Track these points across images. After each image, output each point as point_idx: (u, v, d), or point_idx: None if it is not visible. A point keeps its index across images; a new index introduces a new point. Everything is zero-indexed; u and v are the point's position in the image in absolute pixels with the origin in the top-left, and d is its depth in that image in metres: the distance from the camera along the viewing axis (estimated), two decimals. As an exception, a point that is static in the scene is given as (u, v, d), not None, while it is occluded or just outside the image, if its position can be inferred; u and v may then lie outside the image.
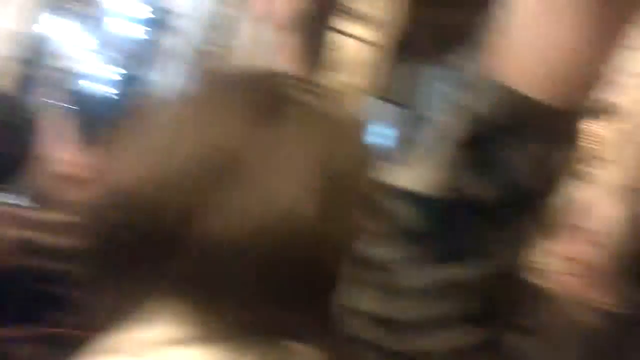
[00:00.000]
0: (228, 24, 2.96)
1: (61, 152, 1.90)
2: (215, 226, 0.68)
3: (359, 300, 0.60)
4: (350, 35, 3.80)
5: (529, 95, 0.54)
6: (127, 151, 0.74)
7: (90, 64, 2.90)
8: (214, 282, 0.68)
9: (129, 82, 2.89)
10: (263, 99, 0.76)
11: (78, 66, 2.92)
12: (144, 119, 0.77)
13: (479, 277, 0.56)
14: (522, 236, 0.58)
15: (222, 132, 0.73)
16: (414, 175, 0.56)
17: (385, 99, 4.32)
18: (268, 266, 0.68)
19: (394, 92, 4.31)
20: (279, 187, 0.69)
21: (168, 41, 2.92)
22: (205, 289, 0.67)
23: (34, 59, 2.83)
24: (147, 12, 2.97)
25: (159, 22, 2.95)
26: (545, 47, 0.54)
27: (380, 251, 0.58)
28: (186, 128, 0.74)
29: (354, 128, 0.82)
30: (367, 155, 0.81)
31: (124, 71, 2.93)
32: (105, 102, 2.81)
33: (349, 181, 0.75)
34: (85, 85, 2.87)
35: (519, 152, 0.55)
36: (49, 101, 2.47)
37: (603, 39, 0.54)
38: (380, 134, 4.63)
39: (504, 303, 0.59)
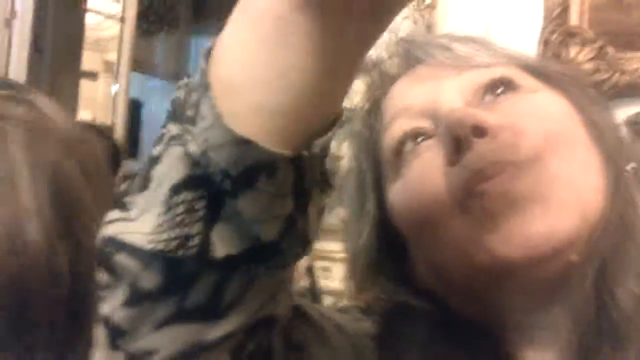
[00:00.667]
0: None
1: None
2: None
3: None
4: (101, 13, 3.68)
5: (249, 137, 0.45)
6: None
7: None
8: None
9: None
10: None
11: None
12: None
13: (229, 334, 0.50)
14: (274, 283, 0.52)
15: None
16: (135, 225, 0.48)
17: (151, 73, 4.21)
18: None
19: (159, 66, 4.22)
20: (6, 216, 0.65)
21: None
22: None
23: None
24: None
25: None
26: (264, 81, 0.45)
27: (112, 309, 0.50)
28: None
29: (82, 142, 0.75)
30: (101, 172, 0.75)
31: None
32: None
33: (79, 203, 0.70)
34: None
35: (253, 202, 0.47)
36: None
37: (331, 71, 0.46)
38: (153, 111, 4.51)
39: (271, 350, 0.56)
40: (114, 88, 3.64)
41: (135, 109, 4.10)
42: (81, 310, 0.63)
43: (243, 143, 0.45)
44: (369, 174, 0.70)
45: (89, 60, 3.72)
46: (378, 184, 0.69)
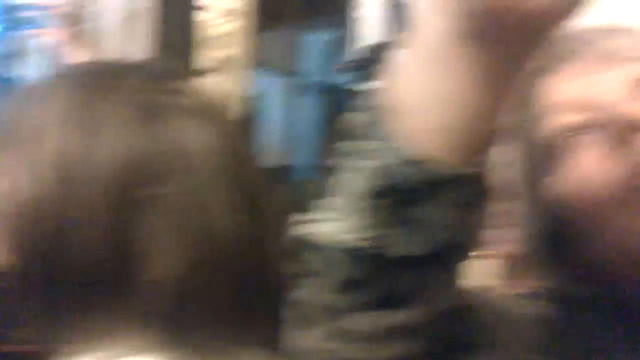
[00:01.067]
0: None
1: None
2: (155, 260, 0.68)
3: (305, 338, 0.62)
4: (212, 9, 3.74)
5: (429, 157, 0.53)
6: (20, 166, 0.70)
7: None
8: (168, 313, 0.70)
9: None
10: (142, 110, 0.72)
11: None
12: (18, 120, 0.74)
13: (421, 318, 0.59)
14: (454, 277, 0.61)
15: (124, 139, 0.69)
16: (331, 226, 0.58)
17: (265, 69, 4.27)
18: (215, 287, 0.71)
19: (272, 62, 4.26)
20: (202, 207, 0.70)
21: (24, 36, 2.71)
22: (161, 319, 0.69)
23: None
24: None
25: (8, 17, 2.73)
26: (431, 104, 0.53)
27: (317, 294, 0.59)
28: (78, 132, 0.70)
29: (242, 125, 0.82)
30: (256, 152, 0.84)
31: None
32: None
33: (259, 183, 0.76)
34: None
35: (436, 210, 0.55)
36: None
37: (493, 93, 0.53)
38: (267, 107, 4.57)
39: (454, 337, 0.63)
40: (230, 85, 3.69)
41: (249, 105, 4.14)
42: (275, 294, 0.70)
43: (417, 161, 0.53)
44: (527, 166, 0.74)
45: (202, 57, 3.78)
46: (537, 175, 0.73)
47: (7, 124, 0.75)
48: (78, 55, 2.04)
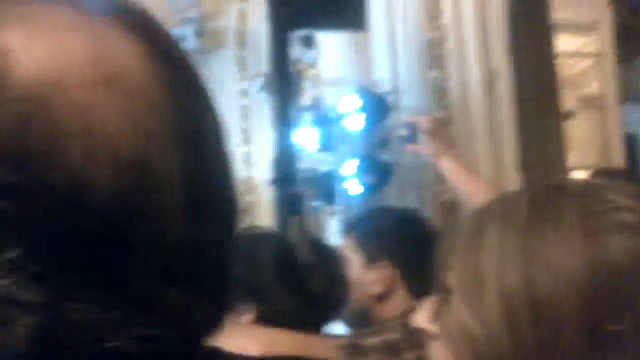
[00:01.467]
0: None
1: (360, 272, 1.78)
2: None
3: None
4: (569, 53, 3.62)
5: None
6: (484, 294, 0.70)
7: (338, 166, 2.85)
8: None
9: (376, 173, 2.79)
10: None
11: (331, 171, 2.89)
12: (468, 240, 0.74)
13: None
14: None
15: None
16: None
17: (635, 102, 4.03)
18: None
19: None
20: None
21: (391, 122, 2.82)
22: None
23: (290, 178, 2.84)
24: (358, 101, 2.89)
25: (374, 107, 2.86)
26: None
27: None
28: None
29: None
30: None
31: (366, 164, 2.84)
32: (371, 202, 2.71)
33: None
34: (345, 188, 2.81)
35: None
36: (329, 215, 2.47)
37: None
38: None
39: None
40: (600, 124, 3.53)
41: (629, 142, 3.89)
42: None
43: None
44: None
45: (564, 99, 3.68)
46: None
47: (455, 272, 0.74)
48: (450, 163, 2.10)
